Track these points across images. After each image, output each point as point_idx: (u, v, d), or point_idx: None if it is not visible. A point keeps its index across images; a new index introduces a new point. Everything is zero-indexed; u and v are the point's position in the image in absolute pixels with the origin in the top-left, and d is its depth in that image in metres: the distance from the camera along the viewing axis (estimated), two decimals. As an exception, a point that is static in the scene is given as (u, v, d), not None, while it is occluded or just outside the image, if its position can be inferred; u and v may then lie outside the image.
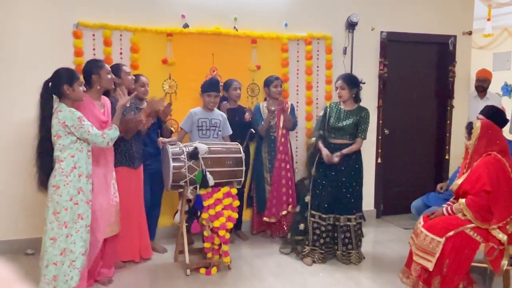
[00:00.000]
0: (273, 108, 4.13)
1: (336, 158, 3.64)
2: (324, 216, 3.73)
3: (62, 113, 2.74)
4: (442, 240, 2.96)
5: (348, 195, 3.74)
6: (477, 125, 3.15)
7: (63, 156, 2.79)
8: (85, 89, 2.93)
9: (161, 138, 3.72)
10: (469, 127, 3.22)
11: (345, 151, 3.70)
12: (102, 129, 3.11)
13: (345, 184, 3.73)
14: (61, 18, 3.90)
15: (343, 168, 3.72)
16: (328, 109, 3.87)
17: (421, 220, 3.28)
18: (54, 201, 2.79)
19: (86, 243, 2.89)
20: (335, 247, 3.81)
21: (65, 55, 3.87)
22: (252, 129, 4.12)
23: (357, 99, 3.80)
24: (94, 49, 3.99)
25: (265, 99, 4.43)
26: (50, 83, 2.81)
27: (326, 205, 3.73)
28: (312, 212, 3.79)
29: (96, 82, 3.10)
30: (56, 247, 2.78)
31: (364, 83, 3.85)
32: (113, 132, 2.95)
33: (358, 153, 3.80)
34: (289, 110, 4.36)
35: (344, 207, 3.74)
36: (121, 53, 4.08)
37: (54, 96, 2.84)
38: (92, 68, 3.11)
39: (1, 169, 3.85)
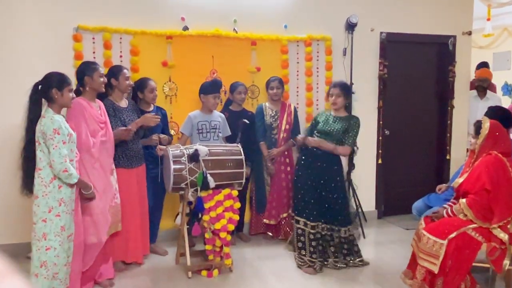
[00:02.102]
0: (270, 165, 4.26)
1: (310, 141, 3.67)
2: (311, 223, 3.64)
3: (45, 119, 2.70)
4: (445, 242, 2.95)
5: (334, 207, 3.69)
6: (486, 125, 3.14)
7: (42, 164, 2.73)
8: (74, 96, 2.91)
9: (159, 146, 3.71)
10: (478, 125, 3.21)
11: (329, 145, 3.62)
12: (102, 130, 3.13)
13: (328, 195, 3.68)
14: (61, 22, 3.91)
15: (326, 178, 3.68)
16: (317, 117, 3.87)
17: (422, 222, 3.27)
18: (32, 211, 2.75)
19: (68, 253, 2.86)
20: (326, 256, 3.72)
21: (65, 59, 3.87)
22: (244, 120, 4.05)
23: (348, 108, 3.77)
24: (94, 52, 4.00)
25: (268, 100, 4.42)
26: (40, 86, 2.79)
27: (314, 212, 3.65)
28: (296, 218, 3.71)
29: (87, 83, 3.12)
30: (36, 259, 2.73)
31: (353, 92, 3.84)
32: (74, 175, 2.73)
33: (339, 166, 3.76)
34: (293, 113, 4.35)
35: (331, 216, 3.69)
36: (121, 56, 4.08)
37: (43, 101, 2.81)
38: (85, 69, 3.15)
39: (2, 173, 3.85)
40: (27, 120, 2.80)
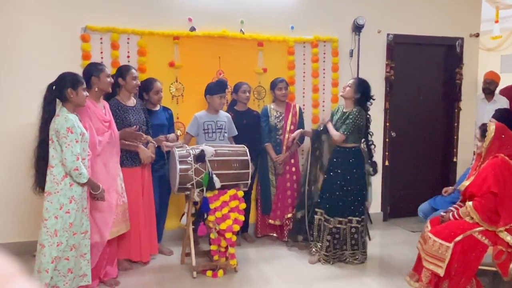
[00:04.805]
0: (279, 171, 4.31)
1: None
2: (329, 218, 3.76)
3: (59, 118, 2.76)
4: (451, 245, 2.94)
5: (348, 198, 3.76)
6: (492, 128, 3.13)
7: (54, 162, 2.78)
8: (88, 94, 2.96)
9: (165, 142, 3.73)
10: (483, 128, 3.20)
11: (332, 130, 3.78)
12: (106, 129, 3.16)
13: (348, 188, 3.75)
14: (69, 22, 3.94)
15: (338, 170, 3.76)
16: (332, 112, 3.98)
17: (428, 224, 3.26)
18: (44, 208, 2.79)
19: (82, 249, 2.91)
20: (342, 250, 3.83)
21: (73, 59, 3.89)
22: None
23: (359, 103, 3.75)
24: (101, 52, 4.02)
25: (273, 101, 4.43)
26: (54, 86, 2.84)
27: (334, 208, 3.76)
28: (316, 209, 3.87)
29: (94, 84, 3.16)
30: (47, 255, 2.76)
31: (374, 99, 3.84)
32: (85, 174, 2.78)
33: (357, 159, 3.78)
34: (297, 114, 4.35)
35: (347, 208, 3.78)
36: (128, 57, 4.10)
37: (57, 100, 2.86)
38: (92, 70, 3.19)
39: (9, 172, 3.89)
40: (42, 120, 2.86)
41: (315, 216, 3.87)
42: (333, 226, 3.74)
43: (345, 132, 3.70)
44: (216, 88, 3.98)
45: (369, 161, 3.91)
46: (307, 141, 4.57)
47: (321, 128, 3.98)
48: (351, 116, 3.70)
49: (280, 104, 4.34)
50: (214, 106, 3.99)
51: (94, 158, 3.08)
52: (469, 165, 4.15)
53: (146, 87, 3.81)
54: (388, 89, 4.98)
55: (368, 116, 3.84)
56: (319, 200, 3.87)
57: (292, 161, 4.36)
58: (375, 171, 3.99)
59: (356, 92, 3.74)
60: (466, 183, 3.22)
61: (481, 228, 2.99)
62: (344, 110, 3.81)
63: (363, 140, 3.90)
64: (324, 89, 4.77)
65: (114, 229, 3.23)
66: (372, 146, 3.93)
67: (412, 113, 5.22)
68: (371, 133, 3.93)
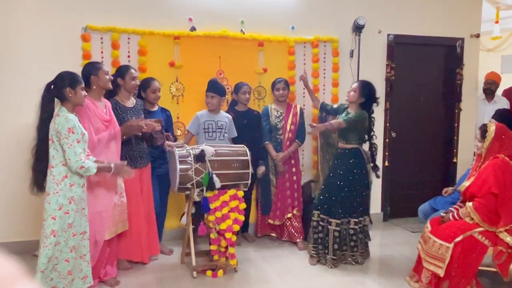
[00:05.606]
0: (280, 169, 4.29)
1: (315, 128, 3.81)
2: (336, 221, 3.74)
3: (59, 118, 2.74)
4: (451, 245, 2.95)
5: (356, 199, 3.76)
6: (492, 128, 3.13)
7: (55, 162, 2.77)
8: (86, 94, 2.95)
9: (167, 141, 3.73)
10: (483, 129, 3.20)
11: (323, 125, 3.80)
12: (106, 128, 3.16)
13: (352, 190, 3.74)
14: (69, 22, 3.94)
15: (340, 172, 3.75)
16: (341, 106, 4.01)
17: (428, 225, 3.26)
18: (44, 208, 2.79)
19: (82, 250, 2.91)
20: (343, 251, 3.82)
21: (74, 58, 3.89)
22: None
23: (364, 107, 3.77)
24: (102, 52, 4.02)
25: (274, 101, 4.43)
26: (52, 86, 2.83)
27: (340, 210, 3.74)
28: (319, 213, 3.83)
29: (94, 82, 3.16)
30: (43, 255, 2.76)
31: (378, 103, 3.87)
32: (92, 166, 2.79)
33: (359, 159, 3.76)
34: (298, 114, 4.35)
35: (352, 209, 3.78)
36: (129, 56, 4.10)
37: (56, 100, 2.85)
38: (90, 69, 3.20)
39: (11, 172, 3.89)
40: (40, 120, 2.84)
41: (312, 218, 3.85)
42: (334, 229, 3.73)
43: (346, 121, 3.68)
44: (207, 87, 4.00)
45: (372, 164, 3.90)
46: (307, 141, 4.58)
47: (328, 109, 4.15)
48: (354, 113, 3.73)
49: (280, 104, 4.34)
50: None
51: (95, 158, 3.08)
52: (469, 165, 4.15)
53: (144, 85, 3.81)
54: (389, 89, 4.98)
55: (372, 118, 3.85)
56: (316, 202, 3.88)
57: (293, 161, 4.36)
58: (377, 176, 4.03)
59: (360, 96, 3.74)
60: (466, 183, 3.22)
61: (481, 229, 2.99)
62: (348, 111, 3.83)
63: (365, 141, 3.89)
64: (324, 89, 4.77)
65: (112, 229, 3.23)
66: (374, 148, 3.93)
67: (412, 114, 5.22)
68: (375, 136, 3.92)
